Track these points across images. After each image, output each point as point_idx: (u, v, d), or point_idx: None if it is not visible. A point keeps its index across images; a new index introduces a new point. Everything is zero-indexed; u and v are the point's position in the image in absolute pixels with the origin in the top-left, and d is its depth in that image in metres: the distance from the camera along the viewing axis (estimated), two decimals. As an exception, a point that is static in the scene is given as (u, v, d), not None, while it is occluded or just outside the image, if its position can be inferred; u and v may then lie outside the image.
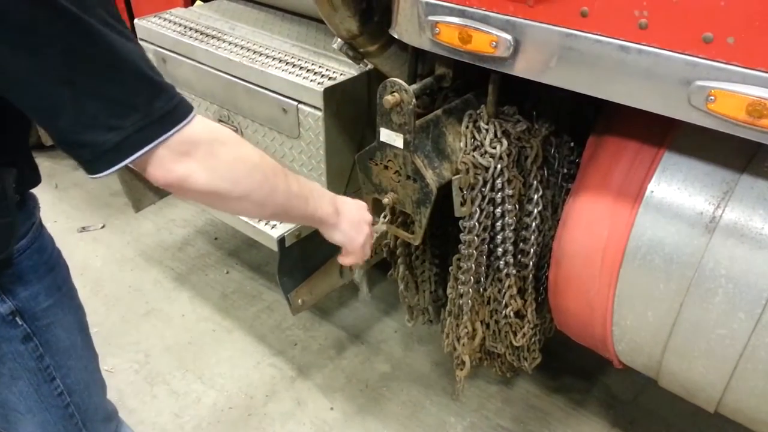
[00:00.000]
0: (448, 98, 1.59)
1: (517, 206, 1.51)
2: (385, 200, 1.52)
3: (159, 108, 0.82)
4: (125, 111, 0.79)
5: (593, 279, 1.40)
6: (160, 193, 2.68)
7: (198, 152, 0.87)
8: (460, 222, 1.50)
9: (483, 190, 1.46)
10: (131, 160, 0.82)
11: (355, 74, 1.93)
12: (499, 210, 1.49)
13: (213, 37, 2.20)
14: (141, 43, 2.39)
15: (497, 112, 1.48)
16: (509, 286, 1.60)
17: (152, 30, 2.30)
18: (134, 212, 2.75)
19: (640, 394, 2.19)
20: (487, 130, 1.45)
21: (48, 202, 3.19)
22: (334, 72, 1.94)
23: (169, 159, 0.85)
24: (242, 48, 2.12)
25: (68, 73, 0.76)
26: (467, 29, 1.23)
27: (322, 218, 1.17)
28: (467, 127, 1.47)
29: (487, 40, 1.21)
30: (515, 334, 1.70)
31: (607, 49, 1.11)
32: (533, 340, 1.76)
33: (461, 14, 1.24)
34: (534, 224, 1.56)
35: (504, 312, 1.65)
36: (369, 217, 1.30)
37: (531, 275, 1.63)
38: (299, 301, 2.07)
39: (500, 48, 1.20)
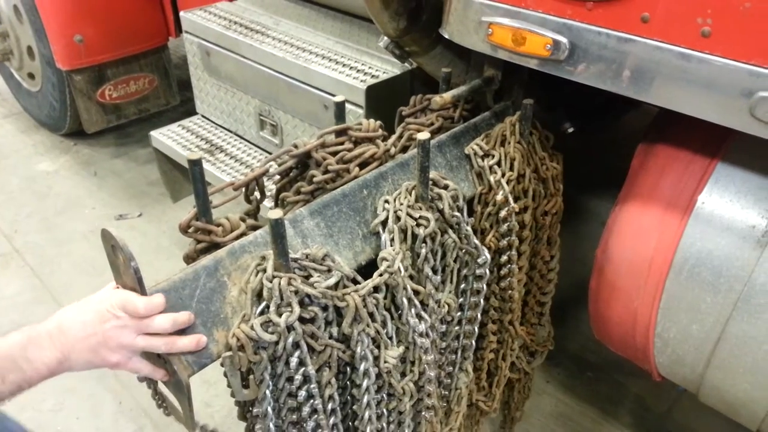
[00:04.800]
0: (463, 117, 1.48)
1: (333, 381, 1.09)
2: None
3: None
4: None
5: (638, 289, 1.38)
6: (198, 184, 2.72)
7: None
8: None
9: (276, 365, 1.01)
10: None
11: (398, 73, 1.93)
12: (302, 393, 1.05)
13: (257, 32, 2.22)
14: (186, 35, 2.43)
15: (285, 267, 1.00)
16: None
17: (197, 23, 2.33)
18: (171, 202, 2.79)
19: (674, 407, 2.16)
20: (271, 290, 0.98)
21: (86, 190, 3.27)
22: (376, 70, 1.95)
23: None
24: (286, 43, 2.13)
25: None
26: (522, 31, 1.22)
27: (43, 377, 0.91)
28: (247, 282, 1.01)
29: (542, 43, 1.20)
30: None
31: (667, 56, 1.09)
32: None
33: (516, 16, 1.23)
34: (365, 399, 1.13)
35: None
36: (115, 316, 0.92)
37: None
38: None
39: (555, 51, 1.19)
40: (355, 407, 1.16)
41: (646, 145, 1.42)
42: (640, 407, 2.17)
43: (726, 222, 1.27)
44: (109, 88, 3.10)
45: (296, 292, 0.98)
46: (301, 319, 0.99)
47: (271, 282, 0.97)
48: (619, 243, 1.41)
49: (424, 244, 1.15)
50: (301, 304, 0.99)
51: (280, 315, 0.96)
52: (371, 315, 1.07)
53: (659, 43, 1.09)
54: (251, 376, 0.99)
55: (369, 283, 1.06)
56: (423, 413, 1.31)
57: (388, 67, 1.96)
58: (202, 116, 2.62)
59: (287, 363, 1.01)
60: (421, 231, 1.13)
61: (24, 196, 3.21)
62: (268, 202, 1.27)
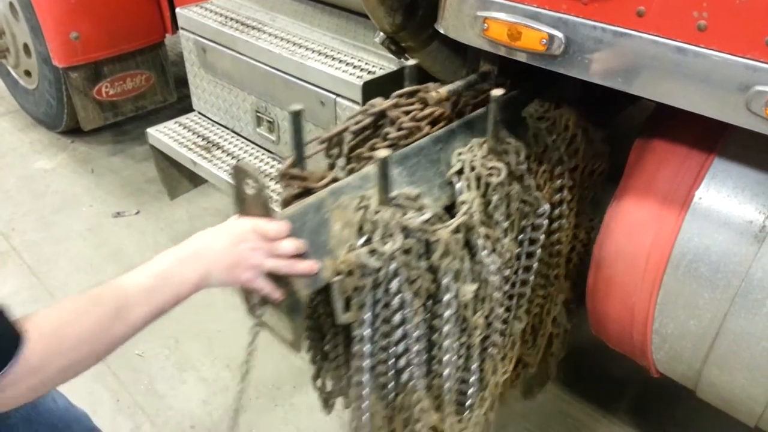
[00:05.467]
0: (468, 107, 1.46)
1: (422, 309, 1.21)
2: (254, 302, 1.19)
3: None
4: None
5: (635, 285, 1.37)
6: (195, 181, 2.71)
7: (19, 387, 0.87)
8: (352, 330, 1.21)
9: (376, 293, 1.14)
10: None
11: (395, 69, 1.92)
12: (397, 317, 1.17)
13: (253, 28, 2.21)
14: (182, 32, 2.42)
15: (386, 199, 1.13)
16: (419, 400, 1.27)
17: (193, 19, 2.32)
18: (169, 199, 2.78)
19: (674, 404, 2.15)
20: (376, 222, 1.13)
21: (84, 187, 3.26)
22: (373, 66, 1.94)
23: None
24: (282, 39, 2.12)
25: None
26: (517, 26, 1.21)
27: (190, 292, 1.03)
28: (355, 214, 1.15)
29: (538, 38, 1.19)
30: None
31: (662, 50, 1.08)
32: None
33: (512, 10, 1.22)
34: (446, 327, 1.24)
35: (416, 427, 1.32)
36: (250, 239, 1.05)
37: (448, 386, 1.31)
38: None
39: (551, 46, 1.18)
40: (434, 337, 1.27)
41: (643, 141, 1.42)
42: (640, 404, 2.16)
43: (723, 217, 1.26)
44: (105, 86, 3.09)
45: (398, 225, 1.11)
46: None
47: (375, 215, 1.11)
48: (616, 239, 1.40)
49: (495, 192, 1.27)
50: None
51: (384, 245, 1.09)
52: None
53: (655, 38, 1.08)
54: (353, 301, 1.13)
55: (454, 222, 1.19)
56: (489, 350, 1.41)
57: (385, 63, 1.95)
58: (199, 113, 2.61)
59: (386, 289, 1.13)
60: (493, 179, 1.25)
61: (21, 194, 3.21)
62: (339, 162, 1.38)
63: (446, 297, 1.20)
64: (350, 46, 2.07)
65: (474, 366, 1.37)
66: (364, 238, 1.11)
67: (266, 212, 1.07)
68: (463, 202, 1.23)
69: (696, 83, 1.08)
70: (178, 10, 2.43)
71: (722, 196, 1.27)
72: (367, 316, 1.14)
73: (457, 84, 1.43)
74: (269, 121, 2.24)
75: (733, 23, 1.00)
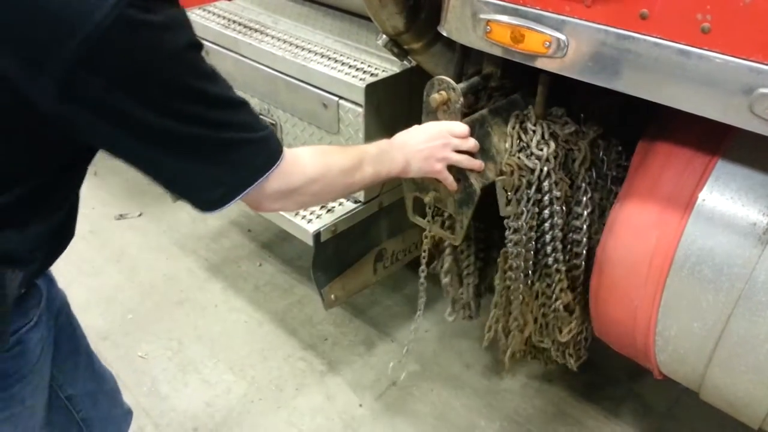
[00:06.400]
0: (493, 98, 1.57)
1: (564, 207, 1.49)
2: (427, 199, 1.51)
3: (256, 161, 0.98)
4: (231, 174, 0.96)
5: (638, 287, 1.37)
6: (197, 183, 2.71)
7: (291, 196, 1.06)
8: (506, 221, 1.48)
9: (528, 192, 1.43)
10: (232, 203, 0.98)
11: (397, 71, 1.92)
12: (546, 211, 1.47)
13: (256, 31, 2.21)
14: (184, 34, 2.42)
15: (545, 113, 1.46)
16: (559, 280, 1.58)
17: (196, 22, 2.32)
18: (171, 202, 2.78)
19: (675, 405, 2.15)
20: (534, 132, 1.43)
21: (86, 189, 3.21)
22: (375, 68, 1.93)
23: (266, 201, 1.04)
24: (284, 42, 2.12)
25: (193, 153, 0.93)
26: (520, 28, 1.21)
27: (397, 173, 1.29)
28: (514, 128, 1.45)
29: (541, 40, 1.19)
30: (561, 330, 1.67)
31: (666, 53, 1.08)
32: (579, 337, 1.73)
33: (514, 13, 1.22)
34: (585, 226, 1.53)
35: (553, 306, 1.62)
36: (444, 136, 1.33)
37: (581, 273, 1.61)
38: (332, 296, 2.08)
39: (554, 48, 1.18)
40: (570, 233, 1.57)
41: (646, 143, 1.42)
42: (642, 405, 2.16)
43: (727, 219, 1.26)
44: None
45: (552, 134, 1.43)
46: None
47: (535, 125, 1.44)
48: (620, 241, 1.40)
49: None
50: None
51: (540, 150, 1.41)
52: (593, 161, 1.51)
53: (658, 40, 1.08)
54: (514, 197, 1.42)
55: (587, 139, 1.48)
56: None
57: (387, 66, 1.95)
58: (202, 115, 2.61)
59: (539, 188, 1.44)
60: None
61: (24, 197, 3.21)
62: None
63: (584, 198, 1.51)
64: (353, 49, 2.07)
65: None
66: (521, 145, 1.43)
67: (455, 117, 1.39)
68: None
69: (699, 86, 1.08)
70: (180, 12, 2.43)
71: (726, 198, 1.27)
72: (525, 208, 1.44)
73: (460, 85, 1.44)
74: (272, 124, 2.23)
75: (737, 25, 1.01)
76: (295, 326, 2.47)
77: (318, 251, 1.95)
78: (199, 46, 0.88)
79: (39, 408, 1.14)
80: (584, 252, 1.57)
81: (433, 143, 1.31)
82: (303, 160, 1.07)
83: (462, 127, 1.35)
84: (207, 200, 0.98)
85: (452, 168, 1.38)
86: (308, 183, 1.08)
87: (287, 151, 1.03)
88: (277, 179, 1.00)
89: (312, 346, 2.38)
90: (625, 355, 1.58)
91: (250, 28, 2.23)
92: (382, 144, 1.28)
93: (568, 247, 1.57)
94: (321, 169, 1.10)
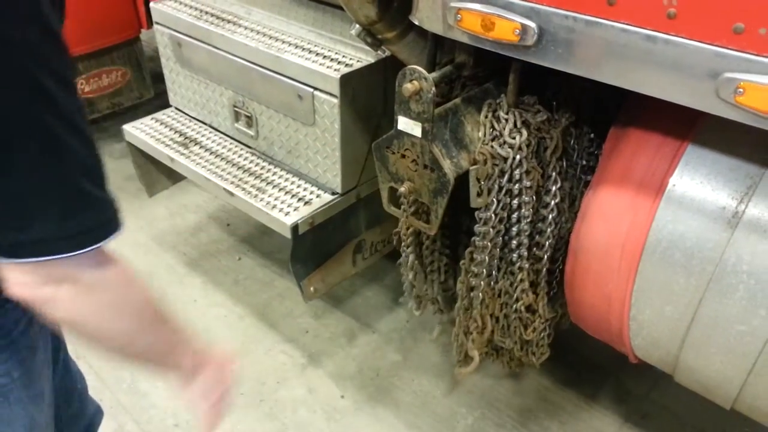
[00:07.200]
0: (467, 87, 1.57)
1: (534, 198, 1.49)
2: (402, 189, 1.51)
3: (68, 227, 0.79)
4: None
5: (611, 272, 1.39)
6: (174, 178, 2.68)
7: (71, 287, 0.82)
8: (476, 213, 1.48)
9: (501, 180, 1.43)
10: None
11: (372, 61, 1.91)
12: (516, 201, 1.47)
13: (229, 22, 2.19)
14: (156, 27, 2.39)
15: (517, 101, 1.46)
16: (521, 280, 1.58)
17: (168, 14, 2.29)
18: (148, 197, 2.75)
19: (653, 389, 2.18)
20: (506, 120, 1.43)
21: (62, 186, 3.21)
22: (350, 59, 1.92)
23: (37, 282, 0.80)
24: (258, 33, 2.10)
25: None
26: (490, 16, 1.21)
27: (174, 373, 1.07)
28: (486, 117, 1.45)
29: (511, 28, 1.19)
30: (525, 329, 1.68)
31: (633, 38, 1.08)
32: (543, 335, 1.73)
33: (485, 1, 1.22)
34: (551, 216, 1.53)
35: (515, 306, 1.62)
36: (221, 385, 1.12)
37: (544, 269, 1.61)
38: (311, 288, 2.07)
39: (524, 36, 1.18)
40: (538, 225, 1.56)
41: (618, 129, 1.43)
42: (621, 390, 2.19)
43: (697, 204, 1.28)
44: (81, 82, 3.04)
45: (524, 122, 1.42)
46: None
47: (507, 114, 1.43)
48: (592, 227, 1.41)
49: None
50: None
51: (513, 138, 1.41)
52: (565, 149, 1.51)
53: (625, 26, 1.08)
54: (486, 187, 1.42)
55: (559, 128, 1.48)
56: None
57: (362, 56, 1.94)
58: (176, 109, 2.58)
59: (510, 177, 1.43)
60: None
61: (-3, 194, 3.16)
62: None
63: (553, 187, 1.50)
64: (327, 39, 2.06)
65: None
66: (494, 133, 1.42)
67: (428, 106, 1.34)
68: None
69: (667, 71, 1.08)
70: (152, 4, 2.39)
71: (695, 183, 1.28)
72: (496, 198, 1.44)
73: (433, 75, 1.43)
74: (247, 116, 2.22)
75: (702, 11, 1.01)
76: (276, 319, 2.46)
77: (296, 244, 1.94)
78: None
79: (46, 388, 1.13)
80: (548, 245, 1.57)
81: (216, 392, 1.12)
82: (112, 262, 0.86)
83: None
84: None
85: (425, 156, 1.39)
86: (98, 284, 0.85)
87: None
88: None
89: (293, 339, 2.38)
90: (600, 339, 1.60)
91: (223, 19, 2.20)
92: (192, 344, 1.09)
93: (535, 238, 1.57)
94: (122, 282, 0.90)
